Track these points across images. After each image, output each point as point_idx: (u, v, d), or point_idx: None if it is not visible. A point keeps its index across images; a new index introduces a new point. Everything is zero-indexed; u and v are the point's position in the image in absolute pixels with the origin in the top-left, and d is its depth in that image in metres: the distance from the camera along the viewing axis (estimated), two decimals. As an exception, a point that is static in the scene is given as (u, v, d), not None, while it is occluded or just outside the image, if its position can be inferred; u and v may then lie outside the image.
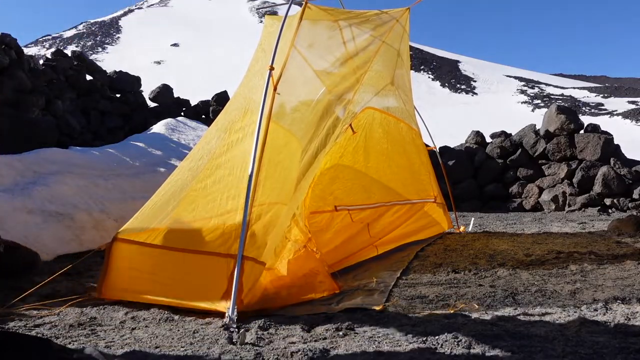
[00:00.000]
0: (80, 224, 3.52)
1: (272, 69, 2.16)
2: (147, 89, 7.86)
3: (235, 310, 1.62)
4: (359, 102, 2.93)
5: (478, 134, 7.21)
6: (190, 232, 2.18)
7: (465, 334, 1.37)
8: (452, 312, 1.63)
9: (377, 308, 1.73)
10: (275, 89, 2.16)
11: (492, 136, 7.17)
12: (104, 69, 7.24)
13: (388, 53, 3.26)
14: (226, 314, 1.62)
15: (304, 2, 2.49)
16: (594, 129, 6.38)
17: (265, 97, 2.11)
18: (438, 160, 4.22)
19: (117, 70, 7.55)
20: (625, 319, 1.56)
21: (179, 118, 6.37)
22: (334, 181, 3.00)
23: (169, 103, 7.55)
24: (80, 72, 6.60)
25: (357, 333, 1.49)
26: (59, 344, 1.18)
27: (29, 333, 1.65)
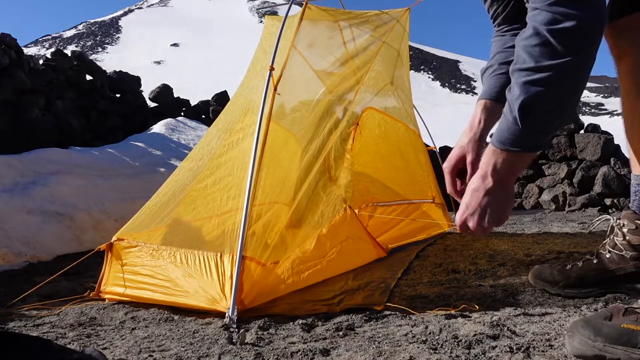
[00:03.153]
0: (80, 224, 3.53)
1: (272, 69, 2.16)
2: (147, 89, 7.86)
3: (236, 310, 1.62)
4: (360, 102, 2.93)
5: (478, 134, 7.22)
6: (190, 231, 2.18)
7: (465, 334, 1.37)
8: (452, 312, 1.63)
9: (378, 308, 1.73)
10: (275, 89, 2.17)
11: (492, 136, 7.18)
12: (104, 69, 7.24)
13: (388, 53, 3.27)
14: (226, 314, 1.62)
15: (304, 3, 2.49)
16: (594, 129, 6.38)
17: (266, 98, 2.11)
18: (438, 160, 4.22)
19: (117, 70, 7.56)
20: (626, 319, 1.55)
21: (179, 118, 6.38)
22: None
23: (169, 103, 7.55)
24: (80, 72, 6.60)
25: (357, 333, 1.48)
26: (59, 344, 1.18)
27: (29, 333, 1.65)
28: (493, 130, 1.39)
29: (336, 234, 2.09)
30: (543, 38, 1.09)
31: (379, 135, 3.36)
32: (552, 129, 1.18)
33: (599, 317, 1.20)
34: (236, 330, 1.54)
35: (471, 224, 1.25)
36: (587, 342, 1.13)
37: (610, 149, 6.09)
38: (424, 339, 1.36)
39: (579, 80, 1.12)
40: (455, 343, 1.31)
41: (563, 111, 1.14)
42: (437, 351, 1.27)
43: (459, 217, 1.27)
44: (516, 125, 1.15)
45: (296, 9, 2.63)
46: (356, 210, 2.16)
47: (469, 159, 1.41)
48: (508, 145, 1.18)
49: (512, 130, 1.16)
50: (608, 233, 1.73)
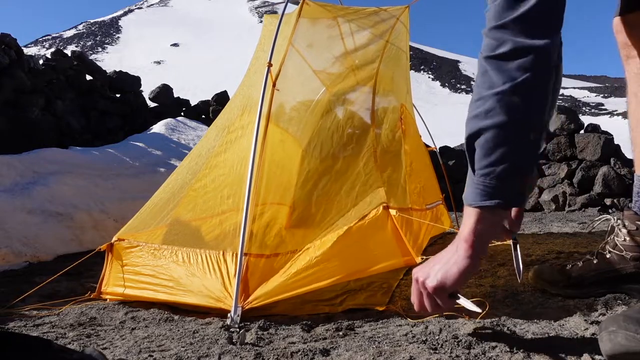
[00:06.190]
0: (80, 224, 3.53)
1: (270, 65, 2.14)
2: (147, 89, 7.87)
3: (239, 308, 1.62)
4: (381, 101, 2.90)
5: (478, 134, 7.22)
6: (190, 231, 2.18)
7: (465, 334, 1.37)
8: (452, 312, 1.63)
9: (380, 309, 1.73)
10: (274, 85, 2.14)
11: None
12: (104, 69, 7.24)
13: (397, 55, 3.22)
14: (228, 314, 1.62)
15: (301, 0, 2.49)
16: (594, 129, 6.38)
17: (264, 94, 2.09)
18: (438, 160, 4.22)
19: (117, 70, 7.56)
20: (626, 319, 1.55)
21: (179, 118, 6.38)
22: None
23: (169, 103, 7.55)
24: (80, 72, 6.60)
25: (357, 333, 1.48)
26: (60, 344, 1.18)
27: (29, 333, 1.65)
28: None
29: (364, 235, 1.98)
30: (482, 67, 1.00)
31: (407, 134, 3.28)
32: (508, 175, 1.00)
33: (637, 311, 1.12)
34: (236, 330, 1.54)
35: (420, 275, 1.16)
36: (634, 337, 1.05)
37: (610, 149, 6.09)
38: (424, 339, 1.36)
39: (525, 110, 0.96)
40: (455, 343, 1.31)
41: (515, 148, 0.98)
42: (437, 351, 1.27)
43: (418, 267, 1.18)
44: (470, 171, 1.04)
45: (295, 7, 2.63)
46: (394, 212, 2.00)
47: None
48: (469, 200, 1.06)
49: (469, 181, 1.05)
50: (608, 233, 1.73)
